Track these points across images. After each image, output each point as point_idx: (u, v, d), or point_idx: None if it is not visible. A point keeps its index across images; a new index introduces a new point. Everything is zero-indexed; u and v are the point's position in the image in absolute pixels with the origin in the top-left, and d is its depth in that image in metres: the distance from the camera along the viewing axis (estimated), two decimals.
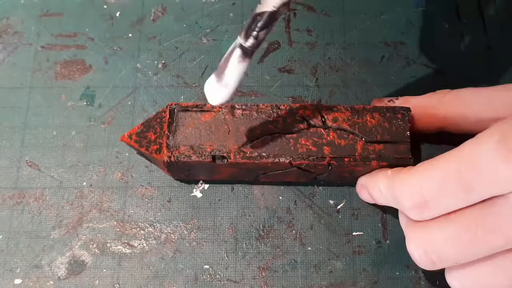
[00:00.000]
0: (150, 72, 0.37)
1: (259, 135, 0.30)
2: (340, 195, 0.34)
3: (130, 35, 0.38)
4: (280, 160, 0.30)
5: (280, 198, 0.34)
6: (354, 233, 0.33)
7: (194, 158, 0.30)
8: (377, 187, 0.29)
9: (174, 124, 0.31)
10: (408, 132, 0.30)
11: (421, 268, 0.32)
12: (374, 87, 0.36)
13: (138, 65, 0.37)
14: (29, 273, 0.32)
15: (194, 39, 0.38)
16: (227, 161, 0.30)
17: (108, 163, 0.35)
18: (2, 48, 0.38)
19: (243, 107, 0.31)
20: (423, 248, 0.26)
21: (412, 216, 0.27)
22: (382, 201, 0.30)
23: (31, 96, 0.37)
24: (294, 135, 0.30)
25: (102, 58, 0.38)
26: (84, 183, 0.34)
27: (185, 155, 0.30)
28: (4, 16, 0.39)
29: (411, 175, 0.26)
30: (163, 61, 0.38)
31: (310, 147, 0.30)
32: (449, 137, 0.32)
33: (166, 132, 0.31)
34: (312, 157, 0.30)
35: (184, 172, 0.32)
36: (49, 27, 0.39)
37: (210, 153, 0.30)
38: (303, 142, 0.30)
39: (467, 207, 0.25)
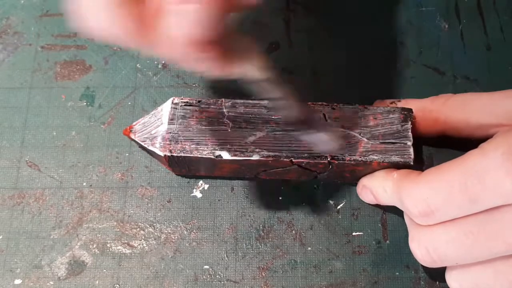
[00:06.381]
0: (150, 72, 0.37)
1: (260, 132, 0.30)
2: (340, 195, 0.34)
3: None
4: (281, 157, 0.30)
5: (280, 198, 0.34)
6: (354, 233, 0.33)
7: (195, 153, 0.30)
8: (382, 188, 0.29)
9: (176, 118, 0.31)
10: (410, 133, 0.30)
11: (421, 269, 0.32)
12: (374, 87, 0.36)
13: (138, 65, 0.37)
14: (29, 273, 0.32)
15: None
16: None
17: (108, 163, 0.35)
18: (2, 48, 0.38)
19: (245, 103, 0.31)
20: (425, 247, 0.27)
21: (417, 221, 0.27)
22: (387, 201, 0.30)
23: (31, 96, 0.37)
24: (296, 132, 0.30)
25: (102, 58, 0.38)
26: (84, 183, 0.34)
27: (186, 150, 0.30)
28: (4, 16, 0.39)
29: (417, 184, 0.26)
30: (163, 61, 0.38)
31: (312, 145, 0.30)
32: (450, 139, 0.32)
33: (168, 126, 0.31)
34: (313, 156, 0.30)
35: (185, 167, 0.32)
36: (49, 27, 0.39)
37: (211, 148, 0.30)
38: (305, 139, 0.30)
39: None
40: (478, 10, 0.38)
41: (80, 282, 0.32)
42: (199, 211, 0.33)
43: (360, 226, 0.33)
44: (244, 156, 0.30)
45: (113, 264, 0.32)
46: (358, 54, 0.37)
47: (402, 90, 0.36)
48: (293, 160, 0.30)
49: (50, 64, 0.38)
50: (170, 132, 0.30)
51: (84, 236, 0.33)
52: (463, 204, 0.25)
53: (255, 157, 0.30)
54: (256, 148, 0.30)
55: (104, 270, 0.32)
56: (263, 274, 0.32)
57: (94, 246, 0.33)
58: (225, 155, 0.30)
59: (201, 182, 0.34)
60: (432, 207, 0.26)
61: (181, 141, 0.30)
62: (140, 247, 0.33)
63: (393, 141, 0.30)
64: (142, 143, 0.31)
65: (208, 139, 0.30)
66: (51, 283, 0.32)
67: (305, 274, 0.32)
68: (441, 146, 0.34)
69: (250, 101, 0.31)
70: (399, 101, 0.33)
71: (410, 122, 0.30)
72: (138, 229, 0.33)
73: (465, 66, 0.37)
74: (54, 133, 0.36)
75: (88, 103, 0.36)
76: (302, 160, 0.30)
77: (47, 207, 0.34)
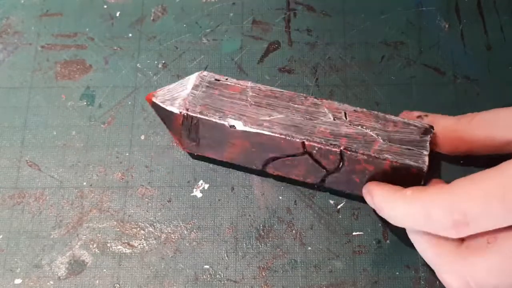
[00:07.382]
0: (150, 72, 0.37)
1: (279, 114, 0.30)
2: (340, 195, 0.34)
3: (130, 35, 0.38)
4: (294, 137, 0.30)
5: (280, 198, 0.34)
6: (354, 233, 0.33)
7: (210, 116, 0.30)
8: (390, 205, 0.28)
9: (201, 87, 0.31)
10: (428, 144, 0.29)
11: (421, 268, 0.32)
12: (374, 87, 0.36)
13: (138, 65, 0.37)
14: (29, 273, 0.32)
15: (194, 39, 0.38)
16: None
17: (108, 163, 0.35)
18: (2, 48, 0.38)
19: (270, 88, 0.31)
20: (464, 279, 0.26)
21: (448, 235, 0.26)
22: (396, 220, 0.28)
23: (31, 96, 0.37)
24: (314, 121, 0.30)
25: (102, 58, 0.38)
26: (84, 183, 0.34)
27: (203, 113, 0.30)
28: (4, 16, 0.39)
29: (450, 193, 0.25)
30: (163, 61, 0.38)
31: (327, 134, 0.30)
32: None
33: (191, 91, 0.31)
34: (326, 142, 0.30)
35: (195, 139, 0.32)
36: (49, 27, 0.39)
37: (227, 116, 0.30)
38: (321, 129, 0.30)
39: (507, 229, 0.25)
40: (478, 10, 0.38)
41: (80, 281, 0.32)
42: (199, 210, 0.33)
43: (360, 226, 0.33)
44: (258, 129, 0.30)
45: (113, 264, 0.32)
46: (357, 54, 0.37)
47: (402, 90, 0.36)
48: (305, 143, 0.30)
49: (50, 64, 0.38)
50: (192, 96, 0.31)
51: (84, 236, 0.33)
52: (500, 215, 0.24)
53: (268, 132, 0.30)
54: (272, 125, 0.30)
55: (104, 270, 0.32)
56: (263, 274, 0.32)
57: (94, 245, 0.33)
58: (239, 126, 0.30)
59: (201, 182, 0.34)
60: (468, 216, 0.24)
61: (200, 105, 0.30)
62: (140, 246, 0.33)
63: (410, 147, 0.30)
64: (161, 104, 0.31)
65: (227, 109, 0.30)
66: (51, 282, 0.32)
67: (305, 273, 0.32)
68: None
69: (276, 89, 0.31)
70: (426, 115, 0.32)
71: (429, 136, 0.30)
72: (138, 229, 0.33)
73: (465, 66, 0.37)
74: (54, 133, 0.36)
75: (88, 103, 0.36)
76: (314, 144, 0.29)
77: (47, 207, 0.34)
